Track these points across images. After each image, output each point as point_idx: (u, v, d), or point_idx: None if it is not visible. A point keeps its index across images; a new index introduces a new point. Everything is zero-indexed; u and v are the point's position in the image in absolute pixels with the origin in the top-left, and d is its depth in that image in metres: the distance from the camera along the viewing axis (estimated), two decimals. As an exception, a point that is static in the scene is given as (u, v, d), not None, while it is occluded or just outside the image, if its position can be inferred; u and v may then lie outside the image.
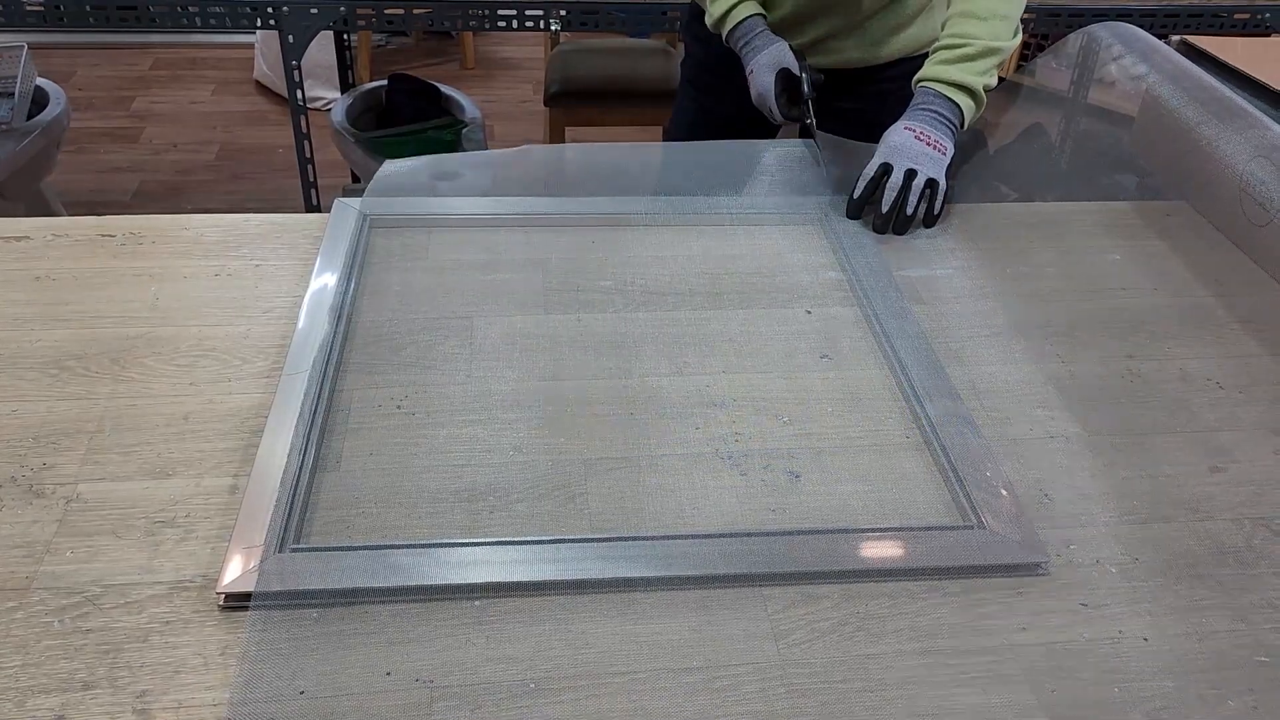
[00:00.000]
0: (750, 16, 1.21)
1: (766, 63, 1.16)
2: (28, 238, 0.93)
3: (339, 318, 0.83)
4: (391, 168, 1.06)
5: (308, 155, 1.84)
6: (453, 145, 2.20)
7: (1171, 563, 0.66)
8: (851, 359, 0.83)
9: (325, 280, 0.87)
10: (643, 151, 1.29)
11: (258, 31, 3.20)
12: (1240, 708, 0.57)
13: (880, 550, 0.65)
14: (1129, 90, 1.20)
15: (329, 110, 2.55)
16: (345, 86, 2.66)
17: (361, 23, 1.77)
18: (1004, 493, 0.69)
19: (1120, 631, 0.61)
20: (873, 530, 0.66)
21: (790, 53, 1.17)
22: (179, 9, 1.77)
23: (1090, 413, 0.79)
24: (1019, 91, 1.53)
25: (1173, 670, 0.59)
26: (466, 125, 2.27)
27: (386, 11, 1.79)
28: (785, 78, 1.15)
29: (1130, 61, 1.20)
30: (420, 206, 1.01)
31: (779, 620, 0.61)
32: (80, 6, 1.77)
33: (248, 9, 1.74)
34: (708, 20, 1.25)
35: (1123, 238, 1.03)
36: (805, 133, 1.17)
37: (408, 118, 2.37)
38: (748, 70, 1.19)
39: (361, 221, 0.97)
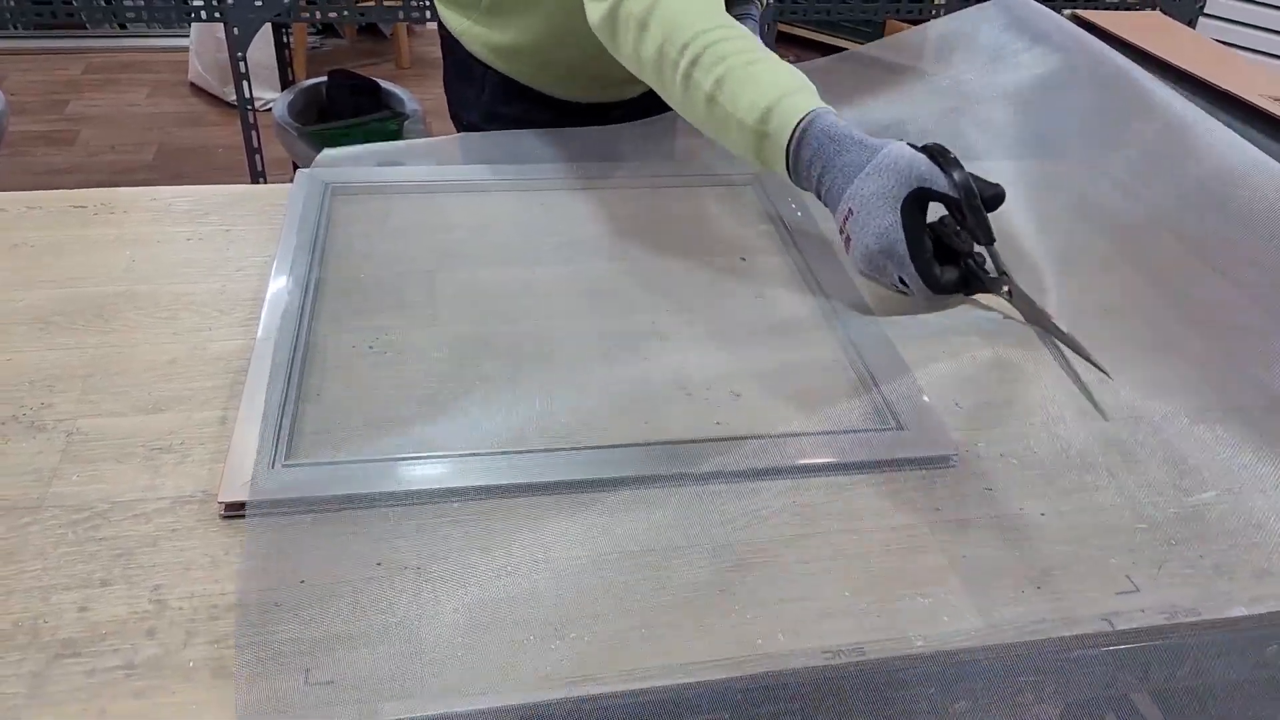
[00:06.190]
0: (818, 112, 0.77)
1: (882, 190, 0.72)
2: (2, 210, 0.98)
3: (309, 273, 0.89)
4: (332, 154, 1.11)
5: (255, 146, 1.88)
6: (396, 136, 2.26)
7: (1068, 454, 0.75)
8: (783, 297, 0.92)
9: (293, 241, 0.93)
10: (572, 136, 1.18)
11: (192, 33, 3.21)
12: (1120, 564, 0.66)
13: (813, 449, 0.73)
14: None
15: (269, 109, 2.59)
16: (285, 85, 2.70)
17: (305, 15, 1.82)
18: (919, 400, 0.77)
19: (1021, 509, 0.70)
20: (806, 434, 0.75)
21: (923, 157, 0.73)
22: (122, 5, 1.80)
23: (999, 334, 0.88)
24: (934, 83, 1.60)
25: (1065, 538, 0.68)
26: (408, 118, 2.32)
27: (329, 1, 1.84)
28: (922, 208, 0.73)
29: (1037, 44, 1.24)
30: (378, 175, 1.07)
31: (726, 511, 0.69)
32: (17, 5, 1.79)
33: (186, 2, 1.78)
34: (739, 148, 0.83)
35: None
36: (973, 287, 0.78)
37: (349, 113, 2.42)
38: (840, 211, 0.76)
39: (324, 189, 1.03)
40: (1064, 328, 0.76)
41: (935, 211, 0.79)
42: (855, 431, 0.75)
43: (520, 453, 0.71)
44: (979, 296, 0.81)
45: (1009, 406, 0.80)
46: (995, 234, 0.74)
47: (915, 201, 0.72)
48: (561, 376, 0.80)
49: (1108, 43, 1.14)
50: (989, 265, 0.74)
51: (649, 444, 0.73)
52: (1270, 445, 0.76)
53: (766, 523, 0.68)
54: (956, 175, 0.71)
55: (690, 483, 0.70)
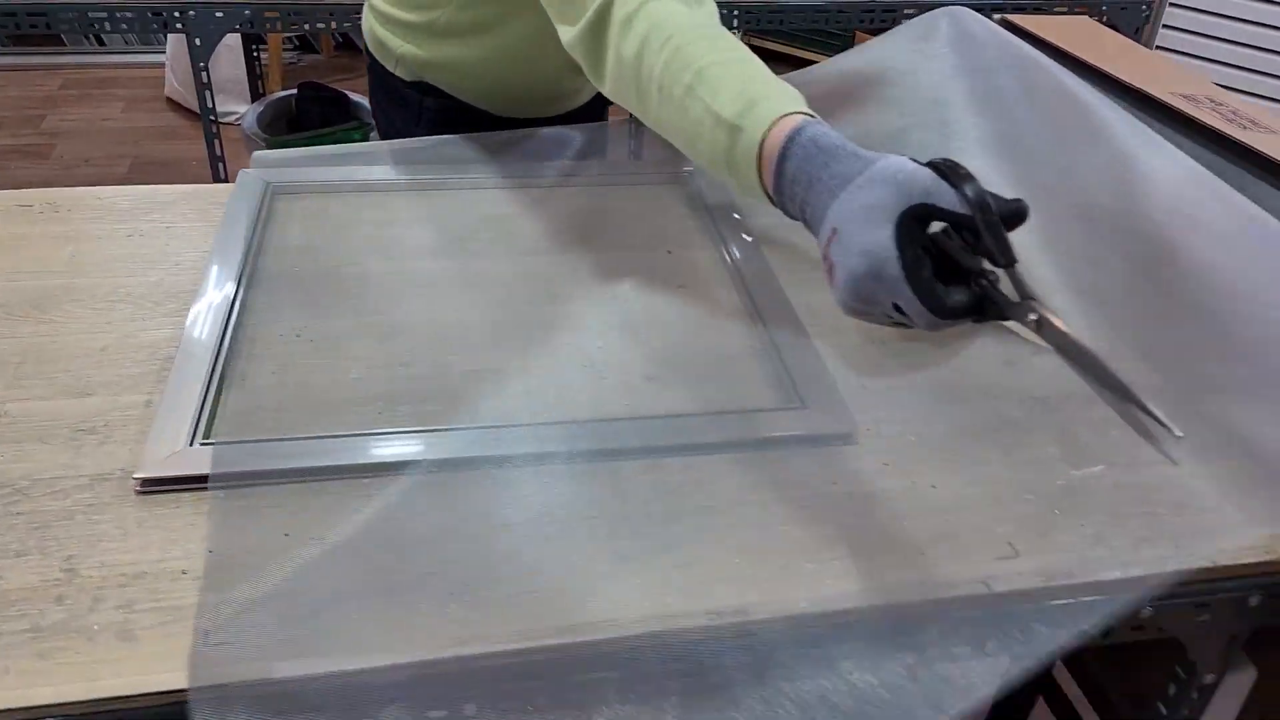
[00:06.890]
0: (803, 119, 0.66)
1: (873, 203, 0.59)
2: (-52, 208, 1.00)
3: (243, 265, 0.92)
4: (266, 156, 1.11)
5: (219, 155, 1.90)
6: (361, 146, 2.29)
7: (963, 431, 0.78)
8: (706, 288, 0.95)
9: (230, 235, 0.96)
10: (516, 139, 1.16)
11: (168, 48, 3.24)
12: (1005, 533, 0.69)
13: (717, 427, 0.76)
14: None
15: (240, 123, 2.62)
16: (256, 99, 2.73)
17: (266, 25, 1.85)
18: (826, 381, 0.80)
19: (914, 482, 0.73)
20: (712, 413, 0.77)
21: (927, 170, 0.60)
22: (87, 17, 1.83)
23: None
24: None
25: (954, 508, 0.71)
26: (374, 128, 2.35)
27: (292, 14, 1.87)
28: (926, 228, 0.60)
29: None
30: (320, 175, 1.10)
31: (630, 485, 0.71)
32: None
33: (159, 15, 1.81)
34: (710, 153, 0.71)
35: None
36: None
37: (317, 124, 2.45)
38: (823, 234, 0.62)
39: (265, 188, 1.05)
40: (1114, 369, 0.59)
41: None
42: (761, 410, 0.78)
43: (433, 431, 0.74)
44: (999, 324, 0.66)
45: (913, 388, 0.83)
46: (1017, 255, 0.59)
47: (914, 220, 0.59)
48: (481, 361, 0.83)
49: (1036, 47, 1.17)
50: (1002, 285, 0.62)
51: (559, 423, 0.75)
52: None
53: (667, 496, 0.70)
54: (969, 190, 0.58)
55: (597, 459, 0.73)
